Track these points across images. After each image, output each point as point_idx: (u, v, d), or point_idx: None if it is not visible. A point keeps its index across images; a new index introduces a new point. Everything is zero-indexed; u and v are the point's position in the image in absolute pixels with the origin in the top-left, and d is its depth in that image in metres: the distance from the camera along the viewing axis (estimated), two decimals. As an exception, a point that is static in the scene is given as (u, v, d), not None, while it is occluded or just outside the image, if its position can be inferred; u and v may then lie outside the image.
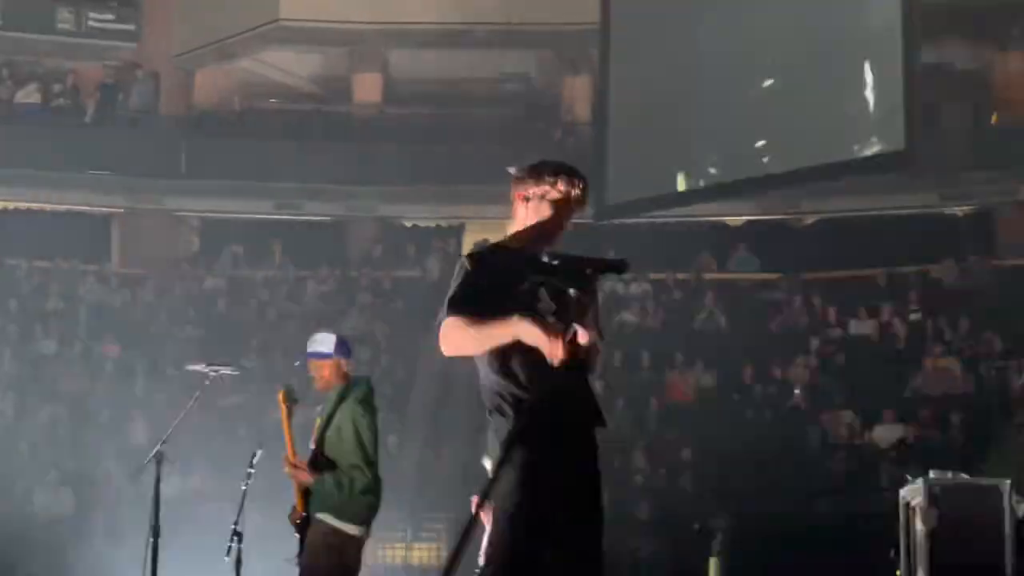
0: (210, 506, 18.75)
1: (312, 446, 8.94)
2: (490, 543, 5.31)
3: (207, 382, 10.43)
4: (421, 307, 25.95)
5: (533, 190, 5.85)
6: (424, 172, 26.93)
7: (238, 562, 9.85)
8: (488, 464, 6.12)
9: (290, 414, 9.08)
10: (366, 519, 8.79)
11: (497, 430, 5.47)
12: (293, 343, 24.41)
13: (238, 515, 10.00)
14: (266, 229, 28.03)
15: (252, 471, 9.95)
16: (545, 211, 5.82)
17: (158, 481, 10.52)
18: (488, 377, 5.59)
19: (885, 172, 24.14)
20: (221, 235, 28.29)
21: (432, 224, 28.91)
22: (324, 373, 9.01)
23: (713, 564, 15.82)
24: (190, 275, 27.16)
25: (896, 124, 22.37)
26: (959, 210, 26.88)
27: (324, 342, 9.08)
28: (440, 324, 5.50)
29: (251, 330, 24.96)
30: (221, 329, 24.53)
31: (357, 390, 8.95)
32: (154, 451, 10.50)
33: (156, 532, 10.48)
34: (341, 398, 8.88)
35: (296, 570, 8.84)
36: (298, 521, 8.86)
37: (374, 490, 8.78)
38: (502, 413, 5.47)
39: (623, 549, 19.60)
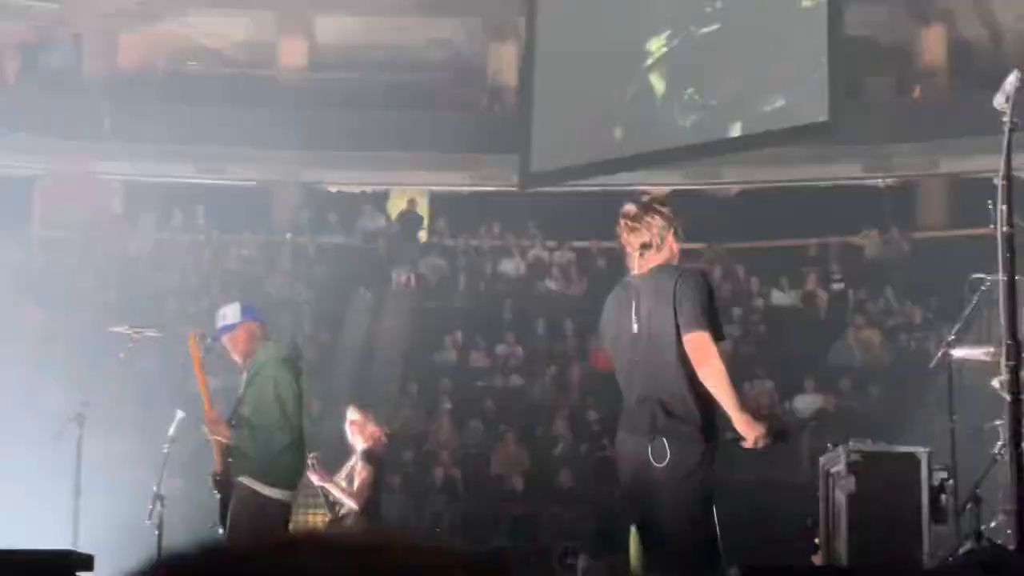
0: (132, 469, 18.70)
1: (237, 408, 8.92)
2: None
3: (129, 344, 10.38)
4: (345, 272, 25.93)
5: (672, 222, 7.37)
6: (349, 138, 26.84)
7: (160, 525, 9.83)
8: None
9: (203, 362, 9.03)
10: (289, 482, 8.77)
11: (678, 433, 6.89)
12: (217, 307, 24.35)
13: (159, 479, 9.98)
14: (190, 193, 27.84)
15: (173, 434, 9.93)
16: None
17: (79, 444, 10.47)
18: (690, 393, 6.92)
19: (809, 143, 24.31)
20: (144, 198, 28.08)
21: (357, 190, 28.83)
22: (239, 343, 8.97)
23: (634, 532, 15.90)
24: (113, 239, 26.93)
25: (820, 96, 22.51)
26: (882, 182, 27.10)
27: (230, 313, 9.04)
28: (692, 327, 6.87)
29: (174, 294, 24.80)
30: (144, 293, 24.34)
31: (277, 350, 8.92)
32: (74, 414, 10.45)
33: (77, 494, 10.44)
34: (261, 359, 8.86)
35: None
36: (216, 479, 8.82)
37: (294, 450, 8.74)
38: (685, 422, 6.90)
39: (545, 516, 19.68)
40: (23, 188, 28.42)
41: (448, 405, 22.47)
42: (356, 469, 11.09)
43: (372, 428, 11.45)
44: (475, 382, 23.28)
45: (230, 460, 8.77)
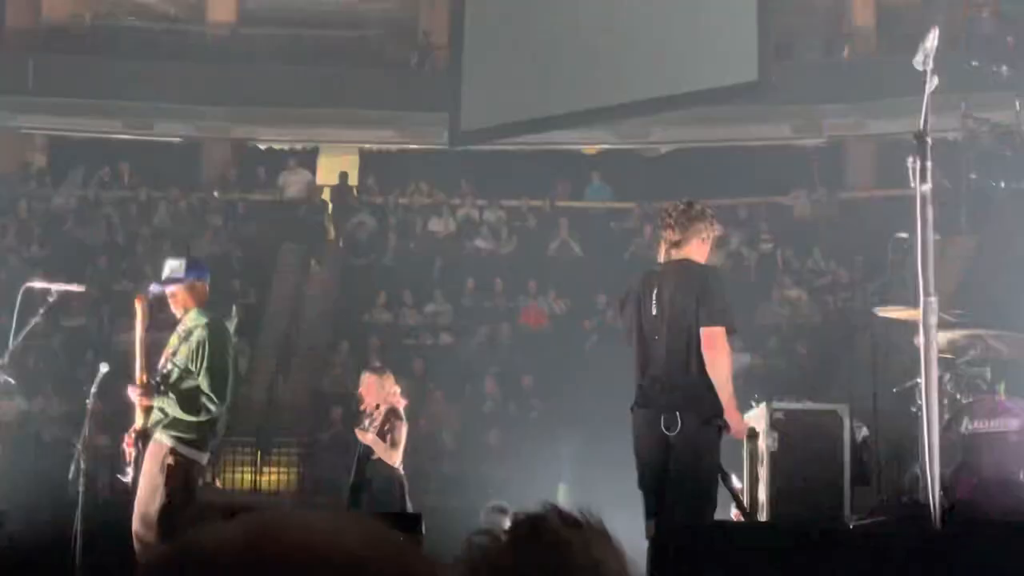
0: (54, 426, 18.58)
1: (165, 367, 8.86)
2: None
3: (50, 299, 10.27)
4: (274, 231, 25.81)
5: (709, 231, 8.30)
6: (279, 94, 26.67)
7: (82, 481, 9.76)
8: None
9: (146, 323, 8.98)
10: (206, 444, 8.75)
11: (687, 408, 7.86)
12: (143, 264, 24.20)
13: (82, 435, 9.91)
14: (116, 149, 27.57)
15: (95, 391, 9.85)
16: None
17: (-1, 400, 10.39)
18: (699, 376, 7.85)
19: (738, 103, 24.36)
20: (69, 154, 27.77)
21: (286, 147, 28.65)
22: (178, 298, 8.93)
23: (562, 491, 15.97)
24: (37, 194, 26.65)
25: (750, 55, 22.57)
26: (810, 142, 27.20)
27: (175, 267, 9.00)
28: (714, 322, 7.85)
29: (100, 251, 24.61)
30: (68, 249, 24.12)
31: (212, 314, 8.87)
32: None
33: (-5, 449, 10.34)
34: (197, 321, 8.81)
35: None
36: (133, 434, 8.78)
37: (216, 415, 8.72)
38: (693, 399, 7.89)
39: (473, 475, 19.70)
40: (-55, 142, 28.08)
41: (377, 363, 22.40)
42: (390, 427, 11.27)
43: (392, 387, 11.63)
44: (404, 340, 23.25)
45: (151, 418, 8.72)
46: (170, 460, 8.56)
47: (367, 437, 11.24)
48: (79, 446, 9.72)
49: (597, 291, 23.38)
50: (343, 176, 27.18)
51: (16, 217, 25.59)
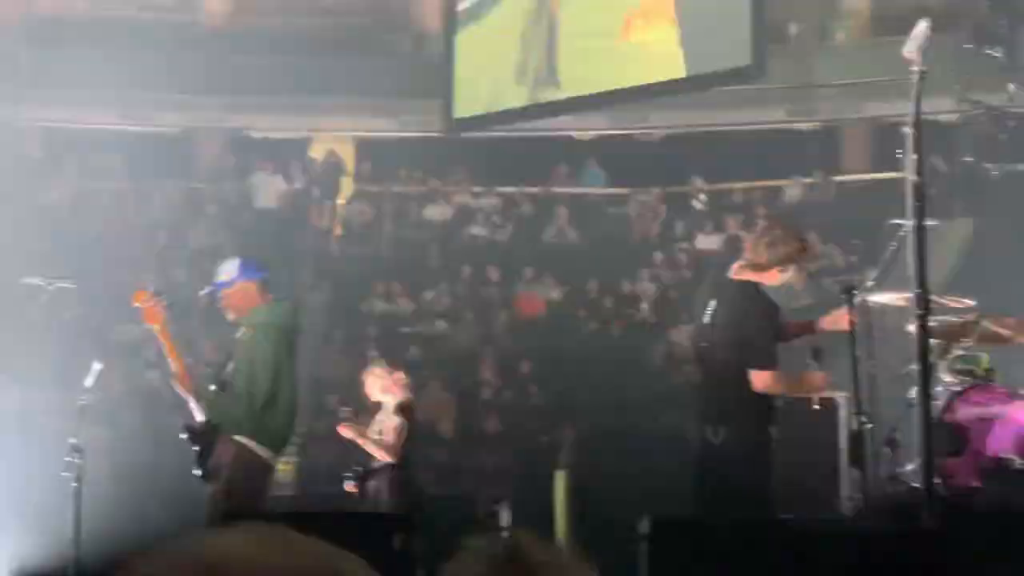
0: (50, 420, 18.57)
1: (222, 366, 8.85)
2: None
3: (44, 295, 10.26)
4: (270, 220, 25.78)
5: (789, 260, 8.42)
6: (273, 84, 26.64)
7: (78, 478, 9.76)
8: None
9: (156, 316, 8.90)
10: (276, 444, 8.68)
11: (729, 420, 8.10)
12: (139, 256, 24.17)
13: (77, 430, 9.91)
14: (112, 140, 27.51)
15: (91, 386, 9.85)
16: None
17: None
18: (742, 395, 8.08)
19: (733, 87, 24.33)
20: (65, 145, 27.71)
21: (281, 136, 28.61)
22: (234, 301, 8.83)
23: (560, 477, 15.94)
24: (32, 186, 26.59)
25: (743, 39, 22.52)
26: (805, 126, 27.18)
27: (226, 269, 8.92)
28: (759, 364, 8.04)
29: (96, 243, 24.56)
30: (65, 242, 24.07)
31: (270, 313, 8.75)
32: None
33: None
34: (253, 322, 8.72)
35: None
36: (191, 431, 8.71)
37: (282, 414, 8.61)
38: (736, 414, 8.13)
39: (471, 463, 19.71)
40: (-61, 135, 28.02)
41: (374, 352, 22.43)
42: (388, 423, 11.19)
43: (399, 378, 11.55)
44: (401, 328, 23.24)
45: (210, 418, 8.65)
46: (243, 457, 8.50)
47: (345, 431, 11.15)
48: (75, 442, 9.72)
49: (592, 277, 23.38)
50: (335, 166, 27.06)
51: (10, 209, 25.51)
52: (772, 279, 8.24)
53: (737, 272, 8.23)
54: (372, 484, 11.08)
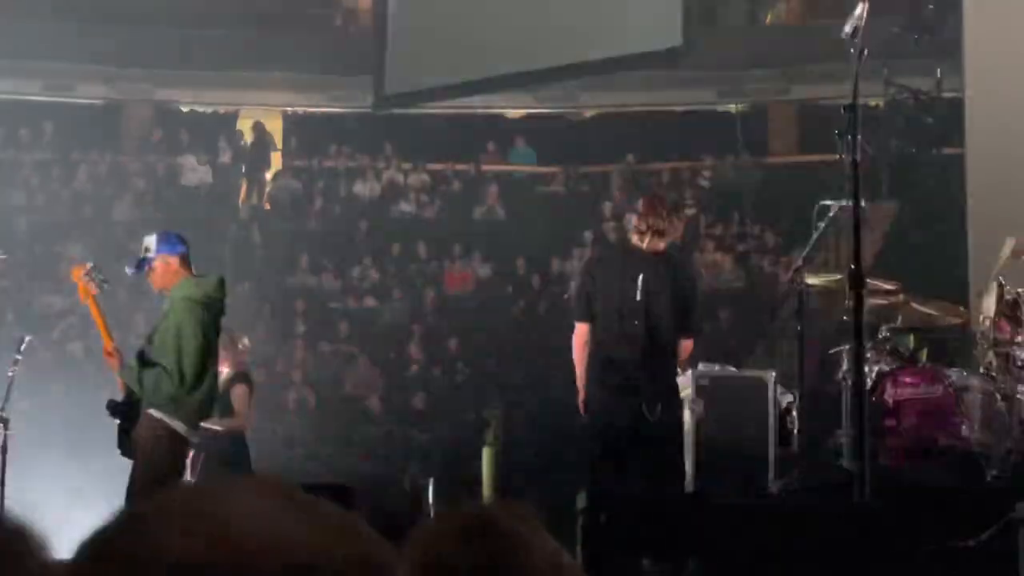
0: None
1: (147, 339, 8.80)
2: None
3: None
4: (196, 194, 25.63)
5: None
6: (201, 56, 26.47)
7: (4, 449, 9.70)
8: None
9: (90, 292, 8.86)
10: (192, 419, 8.63)
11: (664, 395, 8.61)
12: (64, 228, 23.99)
13: (4, 402, 9.84)
14: (36, 111, 27.23)
15: (20, 358, 9.78)
16: None
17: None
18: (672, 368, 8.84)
19: (662, 68, 24.42)
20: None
21: (209, 110, 28.43)
22: (156, 277, 8.78)
23: (487, 454, 16.00)
24: (-44, 157, 26.33)
25: (673, 20, 22.62)
26: (733, 107, 27.31)
27: (146, 245, 8.86)
28: (691, 332, 8.83)
29: (20, 214, 24.35)
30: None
31: (189, 288, 8.70)
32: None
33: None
34: (174, 296, 8.67)
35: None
36: (113, 405, 8.69)
37: (199, 390, 8.57)
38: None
39: (399, 439, 19.73)
40: None
41: (302, 327, 22.39)
42: (232, 393, 11.08)
43: (242, 347, 11.48)
44: (329, 304, 23.20)
45: (139, 395, 8.61)
46: (156, 431, 8.46)
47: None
48: (2, 413, 9.66)
49: (520, 255, 23.41)
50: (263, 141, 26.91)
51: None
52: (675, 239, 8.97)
53: (654, 245, 8.53)
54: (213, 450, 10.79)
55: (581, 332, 8.84)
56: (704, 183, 25.61)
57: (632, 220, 8.71)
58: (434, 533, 1.75)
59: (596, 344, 8.63)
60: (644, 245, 8.57)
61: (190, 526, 1.29)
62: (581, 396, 8.70)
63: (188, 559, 1.27)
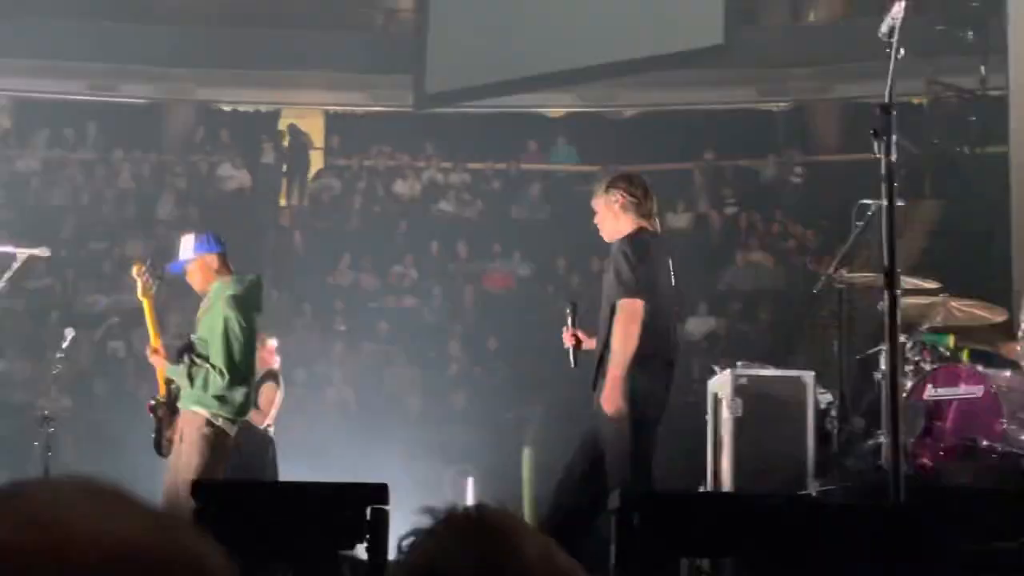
0: (20, 390, 18.52)
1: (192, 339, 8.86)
2: None
3: (15, 264, 10.23)
4: (238, 193, 25.72)
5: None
6: (243, 56, 26.55)
7: (47, 447, 9.75)
8: None
9: (149, 290, 8.92)
10: (235, 415, 8.70)
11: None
12: (108, 226, 24.13)
13: (48, 399, 9.90)
14: (80, 110, 27.39)
15: (62, 355, 9.84)
16: None
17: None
18: None
19: (703, 66, 24.36)
20: (34, 116, 27.59)
21: (251, 109, 28.53)
22: (195, 277, 8.86)
23: (527, 454, 16.00)
24: (1, 156, 26.50)
25: (715, 19, 22.57)
26: (775, 105, 27.22)
27: (184, 247, 8.93)
28: None
29: (65, 213, 24.49)
30: (34, 211, 24.02)
31: (226, 286, 8.76)
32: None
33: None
34: (213, 295, 8.74)
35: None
36: (154, 404, 8.76)
37: (241, 386, 8.64)
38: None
39: (438, 439, 19.72)
40: (-93, 105, 27.85)
41: (342, 327, 22.43)
42: (262, 391, 11.22)
43: (270, 346, 11.60)
44: (368, 303, 23.23)
45: (173, 388, 8.69)
46: (201, 429, 8.53)
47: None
48: (45, 412, 9.70)
49: (561, 254, 23.40)
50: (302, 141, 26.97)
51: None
52: None
53: (655, 226, 8.00)
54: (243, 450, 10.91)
55: (637, 308, 7.61)
56: (745, 182, 25.53)
57: (634, 203, 7.85)
58: (424, 536, 1.74)
59: (646, 328, 7.64)
60: (658, 228, 8.06)
61: None
62: (619, 388, 7.76)
63: None
